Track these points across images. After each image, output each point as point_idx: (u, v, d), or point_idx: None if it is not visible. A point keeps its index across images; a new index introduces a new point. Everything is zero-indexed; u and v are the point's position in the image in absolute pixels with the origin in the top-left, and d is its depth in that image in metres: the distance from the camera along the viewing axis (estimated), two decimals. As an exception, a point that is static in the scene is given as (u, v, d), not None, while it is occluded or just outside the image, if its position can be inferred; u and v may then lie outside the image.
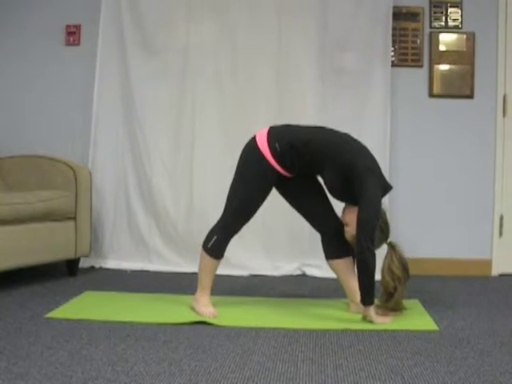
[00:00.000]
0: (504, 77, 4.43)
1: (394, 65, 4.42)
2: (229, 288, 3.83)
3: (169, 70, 4.47)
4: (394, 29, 4.39)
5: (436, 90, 4.47)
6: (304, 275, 4.37)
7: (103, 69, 4.50)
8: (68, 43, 4.62)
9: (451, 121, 4.48)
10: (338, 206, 3.32)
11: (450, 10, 4.46)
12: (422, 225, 4.46)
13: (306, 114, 4.28)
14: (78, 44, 4.62)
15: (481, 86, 4.45)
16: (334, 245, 3.32)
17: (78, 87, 4.60)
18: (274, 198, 3.35)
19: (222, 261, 3.30)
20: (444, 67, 4.45)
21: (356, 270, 3.05)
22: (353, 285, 3.22)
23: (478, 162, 4.47)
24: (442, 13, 4.46)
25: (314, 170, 3.24)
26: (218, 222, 3.27)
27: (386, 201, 3.47)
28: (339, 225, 3.27)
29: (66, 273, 4.17)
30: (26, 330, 2.85)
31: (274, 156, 3.14)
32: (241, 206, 3.22)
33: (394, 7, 4.38)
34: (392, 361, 2.49)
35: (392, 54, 4.42)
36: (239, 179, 3.22)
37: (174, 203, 4.48)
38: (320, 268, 4.20)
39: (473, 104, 4.46)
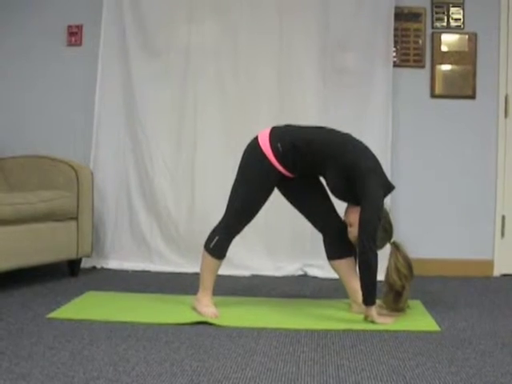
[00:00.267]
0: (506, 77, 4.43)
1: (395, 65, 4.42)
2: (230, 288, 3.83)
3: (170, 70, 4.48)
4: (395, 29, 4.38)
5: (438, 91, 4.46)
6: (306, 275, 4.37)
7: (105, 69, 4.50)
8: (70, 44, 4.63)
9: (453, 121, 4.48)
10: (339, 206, 3.32)
11: (451, 10, 4.46)
12: (424, 225, 4.46)
13: (308, 114, 4.28)
14: (80, 44, 4.62)
15: (483, 86, 4.44)
16: (336, 245, 3.32)
17: (79, 88, 4.60)
18: (276, 198, 3.35)
19: (224, 261, 3.30)
20: (446, 67, 4.45)
21: (358, 270, 3.05)
22: (354, 285, 3.22)
23: (479, 162, 4.47)
24: (443, 13, 4.46)
25: (316, 170, 3.24)
26: (220, 223, 3.27)
27: (387, 201, 3.46)
28: (341, 225, 3.27)
29: (68, 273, 4.17)
30: (27, 330, 2.85)
31: (276, 156, 3.14)
32: (243, 207, 3.22)
33: (396, 7, 4.37)
34: (394, 361, 2.49)
35: (394, 54, 4.42)
36: (241, 179, 3.22)
37: (175, 203, 4.48)
38: (322, 268, 4.20)
39: (475, 104, 4.46)
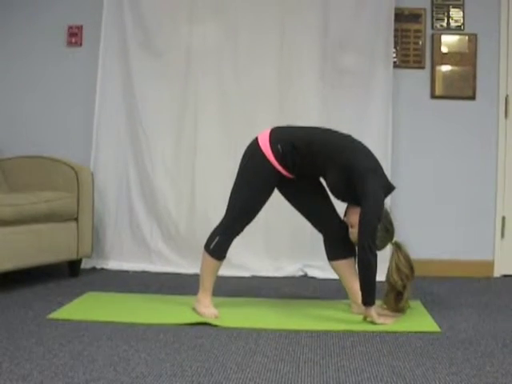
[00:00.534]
0: (506, 78, 4.43)
1: (395, 66, 4.42)
2: (230, 289, 3.83)
3: (171, 70, 4.48)
4: (395, 30, 4.39)
5: (438, 92, 4.47)
6: (306, 276, 4.37)
7: (105, 70, 4.50)
8: (70, 44, 4.63)
9: (453, 122, 4.48)
10: (339, 206, 3.32)
11: (451, 11, 4.46)
12: (424, 226, 4.46)
13: (308, 115, 4.28)
14: (80, 45, 4.62)
15: (483, 87, 4.45)
16: (336, 246, 3.32)
17: (80, 88, 4.61)
18: (276, 198, 3.35)
19: (224, 262, 3.29)
20: (446, 68, 4.45)
21: (357, 270, 3.05)
22: (354, 286, 3.22)
23: (479, 163, 4.47)
24: (443, 14, 4.46)
25: (316, 170, 3.24)
26: (220, 223, 3.27)
27: (388, 201, 3.47)
28: (341, 226, 3.27)
29: (68, 274, 4.17)
30: (28, 330, 2.85)
31: (276, 157, 3.14)
32: (243, 207, 3.22)
33: (396, 8, 4.38)
34: (394, 362, 2.49)
35: (394, 55, 4.42)
36: (241, 181, 3.22)
37: (175, 204, 4.48)
38: (322, 269, 4.19)
39: (475, 105, 4.46)
